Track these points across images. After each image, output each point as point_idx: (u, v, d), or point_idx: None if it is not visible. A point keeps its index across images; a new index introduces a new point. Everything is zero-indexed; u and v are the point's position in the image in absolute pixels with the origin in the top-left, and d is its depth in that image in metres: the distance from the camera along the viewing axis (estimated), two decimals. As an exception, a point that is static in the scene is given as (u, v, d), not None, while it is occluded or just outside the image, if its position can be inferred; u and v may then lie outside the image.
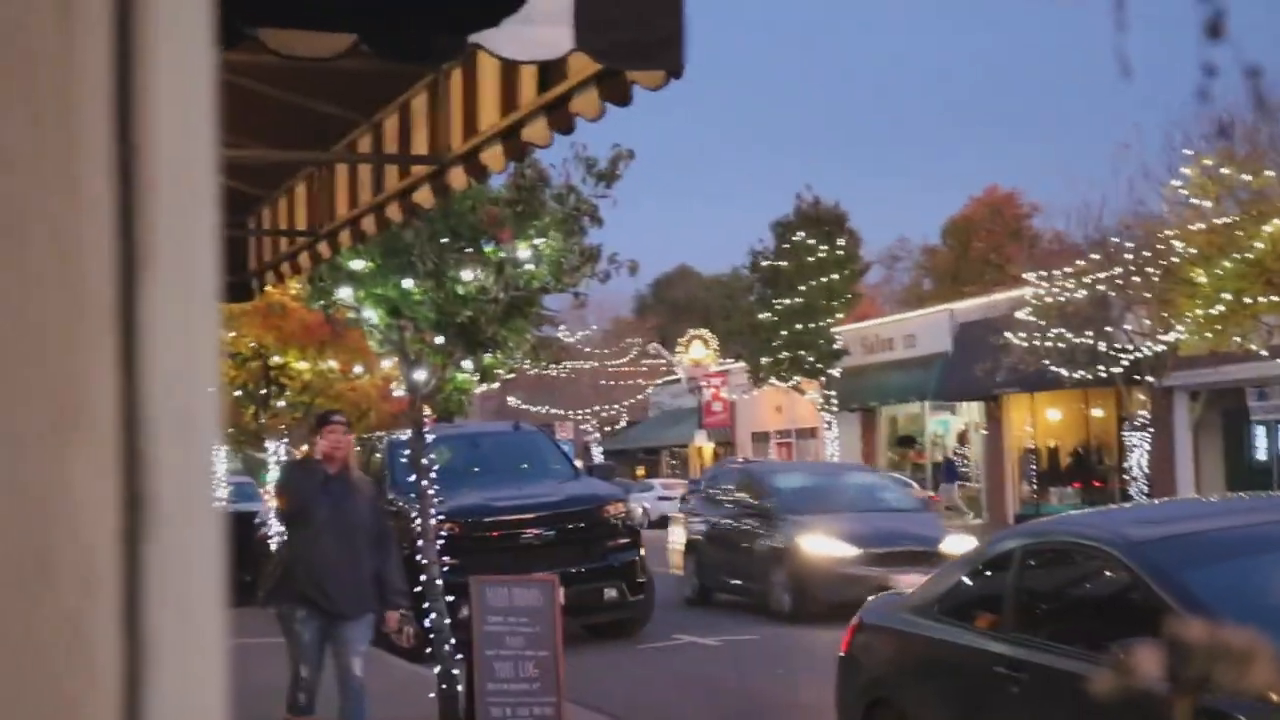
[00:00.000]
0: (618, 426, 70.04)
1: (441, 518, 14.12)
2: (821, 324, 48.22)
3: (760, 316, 49.61)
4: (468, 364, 13.19)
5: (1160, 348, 32.25)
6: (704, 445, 64.84)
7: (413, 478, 12.50)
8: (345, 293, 12.27)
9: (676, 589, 23.43)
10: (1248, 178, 27.91)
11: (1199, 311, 28.70)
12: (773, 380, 50.02)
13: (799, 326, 48.04)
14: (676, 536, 25.40)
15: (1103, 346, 33.24)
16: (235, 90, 6.26)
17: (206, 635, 0.80)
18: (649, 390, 69.20)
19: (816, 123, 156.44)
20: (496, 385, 15.76)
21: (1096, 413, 41.74)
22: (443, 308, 12.01)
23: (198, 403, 0.80)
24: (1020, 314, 34.89)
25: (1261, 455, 36.36)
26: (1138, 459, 33.59)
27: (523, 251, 12.21)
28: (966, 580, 8.97)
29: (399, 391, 21.18)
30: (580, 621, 17.21)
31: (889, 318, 55.21)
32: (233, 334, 22.92)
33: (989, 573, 8.75)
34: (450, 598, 12.10)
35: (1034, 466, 43.12)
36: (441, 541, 12.46)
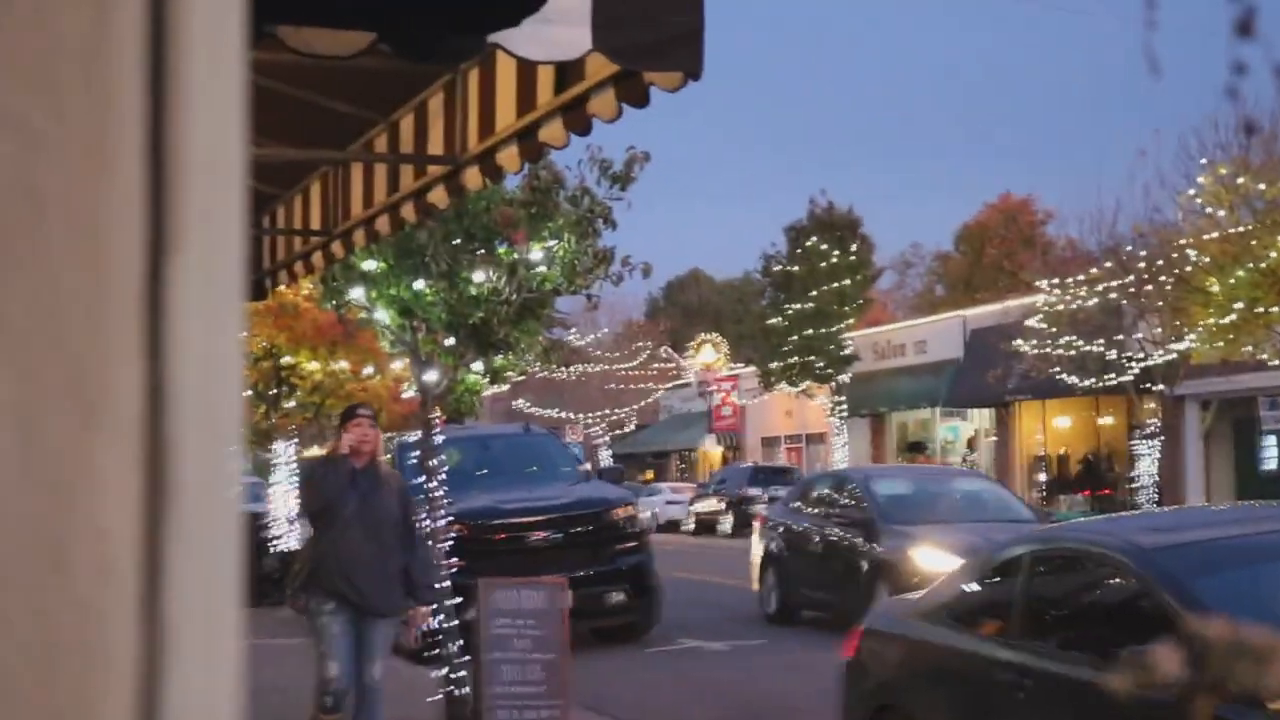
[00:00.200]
0: (627, 430, 70.02)
1: (450, 519, 14.12)
2: (833, 329, 48.22)
3: (771, 321, 49.63)
4: (478, 365, 13.21)
5: (1172, 356, 32.22)
6: (713, 449, 64.81)
7: (422, 479, 12.51)
8: (357, 293, 12.29)
9: (758, 605, 21.73)
10: (1263, 187, 27.88)
11: (1211, 320, 28.66)
12: (783, 385, 50.01)
13: (810, 331, 48.04)
14: (754, 548, 22.94)
15: (1114, 354, 33.21)
16: (252, 88, 6.27)
17: (224, 624, 0.79)
18: (658, 394, 69.18)
19: (830, 127, 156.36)
20: (506, 387, 15.79)
21: (1107, 420, 41.69)
22: (455, 309, 12.02)
23: (222, 391, 0.79)
24: (1032, 321, 34.86)
25: (1272, 465, 36.27)
26: (1148, 467, 33.54)
27: (536, 253, 12.23)
28: (974, 586, 8.96)
29: (410, 392, 21.21)
30: (587, 625, 17.20)
31: (901, 323, 55.18)
32: (244, 333, 22.93)
33: (997, 579, 8.74)
34: (457, 599, 12.10)
35: (1044, 473, 43.06)
36: (449, 543, 12.46)
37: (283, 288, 10.38)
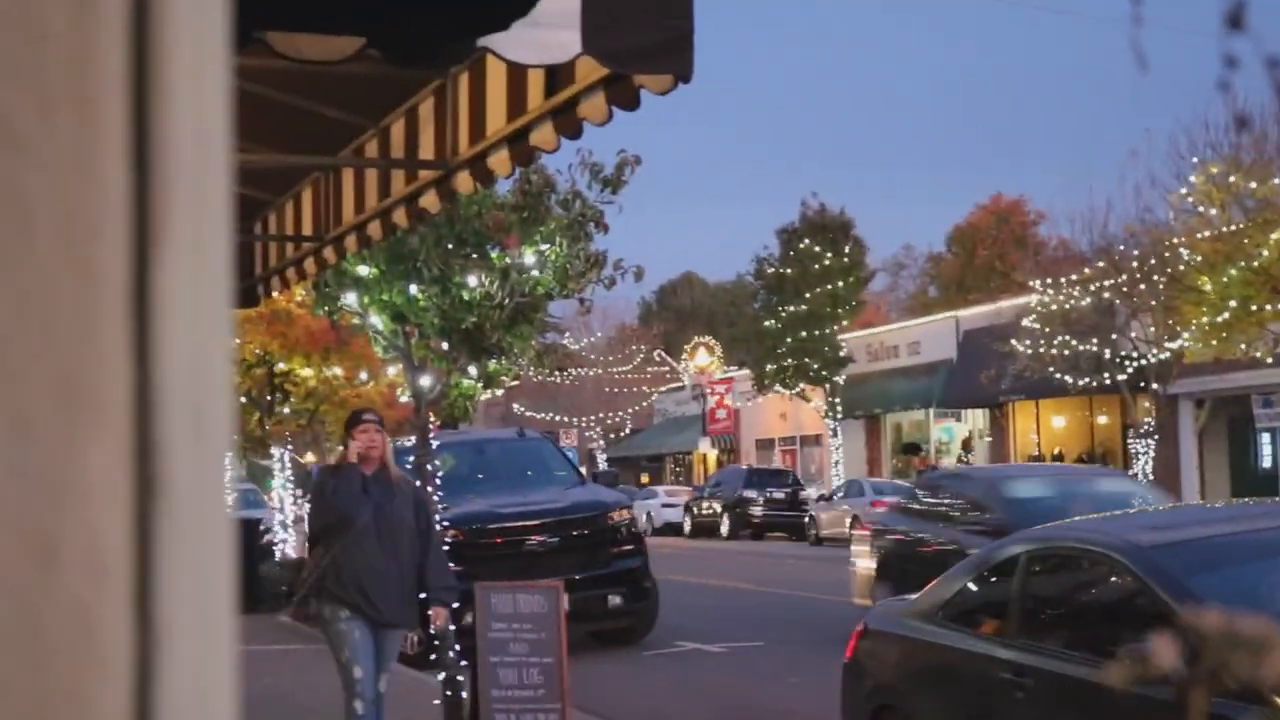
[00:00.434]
0: (622, 433, 70.05)
1: (446, 524, 14.12)
2: (826, 331, 48.30)
3: (765, 324, 49.71)
4: (472, 370, 13.21)
5: (1165, 355, 32.26)
6: (708, 452, 64.84)
7: (417, 484, 12.50)
8: (350, 299, 12.30)
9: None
10: (1254, 185, 27.92)
11: (1204, 319, 28.71)
12: (777, 387, 50.08)
13: (804, 334, 48.11)
14: (860, 558, 20.08)
15: (1108, 354, 33.25)
16: (242, 95, 6.27)
17: (217, 623, 0.79)
18: (653, 397, 69.23)
19: (821, 129, 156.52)
20: (501, 392, 15.80)
21: (1101, 420, 41.75)
22: (448, 314, 12.03)
23: (211, 389, 0.79)
24: (1025, 321, 34.91)
25: (1266, 462, 36.33)
26: (1143, 466, 33.57)
27: (528, 257, 12.24)
28: (971, 586, 8.96)
29: (404, 398, 21.21)
30: (585, 628, 17.20)
31: (894, 325, 55.26)
32: (237, 340, 22.96)
33: (993, 578, 8.74)
34: (455, 604, 12.10)
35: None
36: (446, 548, 12.45)
37: (275, 294, 10.33)
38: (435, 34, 4.38)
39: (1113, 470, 28.73)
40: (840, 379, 48.89)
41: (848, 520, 41.14)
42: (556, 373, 42.97)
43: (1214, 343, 28.96)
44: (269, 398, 25.34)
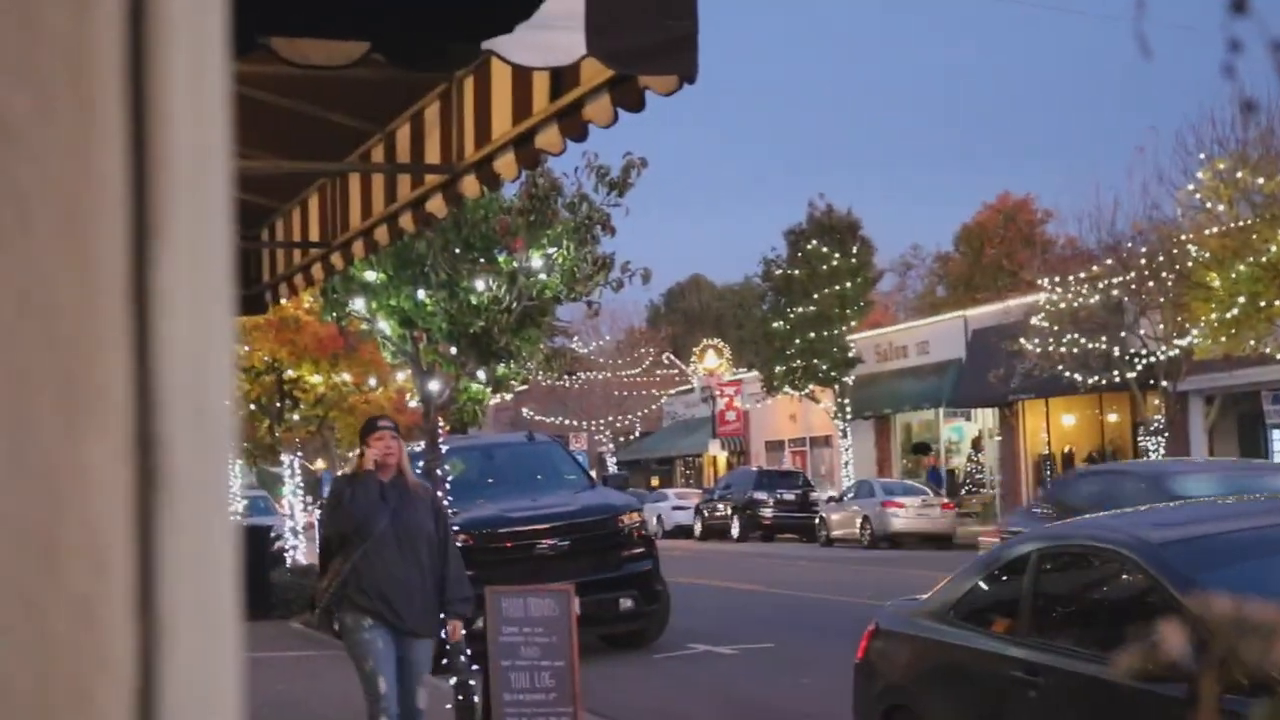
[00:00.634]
0: (631, 437, 70.06)
1: (456, 529, 14.12)
2: (835, 332, 48.30)
3: (773, 325, 49.70)
4: (481, 375, 13.22)
5: (1175, 352, 32.22)
6: (718, 454, 64.83)
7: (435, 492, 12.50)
8: (358, 304, 12.31)
9: None
10: (1261, 181, 27.89)
11: (1213, 315, 28.67)
12: (786, 389, 50.07)
13: (812, 335, 48.11)
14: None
15: (1117, 351, 33.21)
16: (248, 102, 6.28)
17: (221, 618, 0.79)
18: (662, 400, 69.25)
19: (827, 131, 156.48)
20: (510, 396, 15.81)
21: (1111, 417, 41.70)
22: (456, 318, 12.03)
23: (212, 382, 0.79)
24: (1034, 320, 34.87)
25: (1278, 458, 36.25)
26: (1153, 464, 33.49)
27: (535, 261, 12.24)
28: (982, 585, 8.94)
29: (413, 403, 21.24)
30: (596, 631, 17.19)
31: (902, 325, 55.22)
32: (246, 348, 22.99)
33: (1005, 577, 8.73)
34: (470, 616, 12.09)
35: (1049, 472, 43.05)
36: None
37: (283, 301, 10.33)
38: (440, 37, 4.39)
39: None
40: (849, 380, 48.88)
41: (858, 521, 41.16)
42: (565, 376, 43.02)
43: (1223, 339, 28.92)
44: (278, 405, 25.38)
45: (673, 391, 69.33)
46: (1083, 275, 33.45)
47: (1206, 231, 29.08)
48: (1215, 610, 1.23)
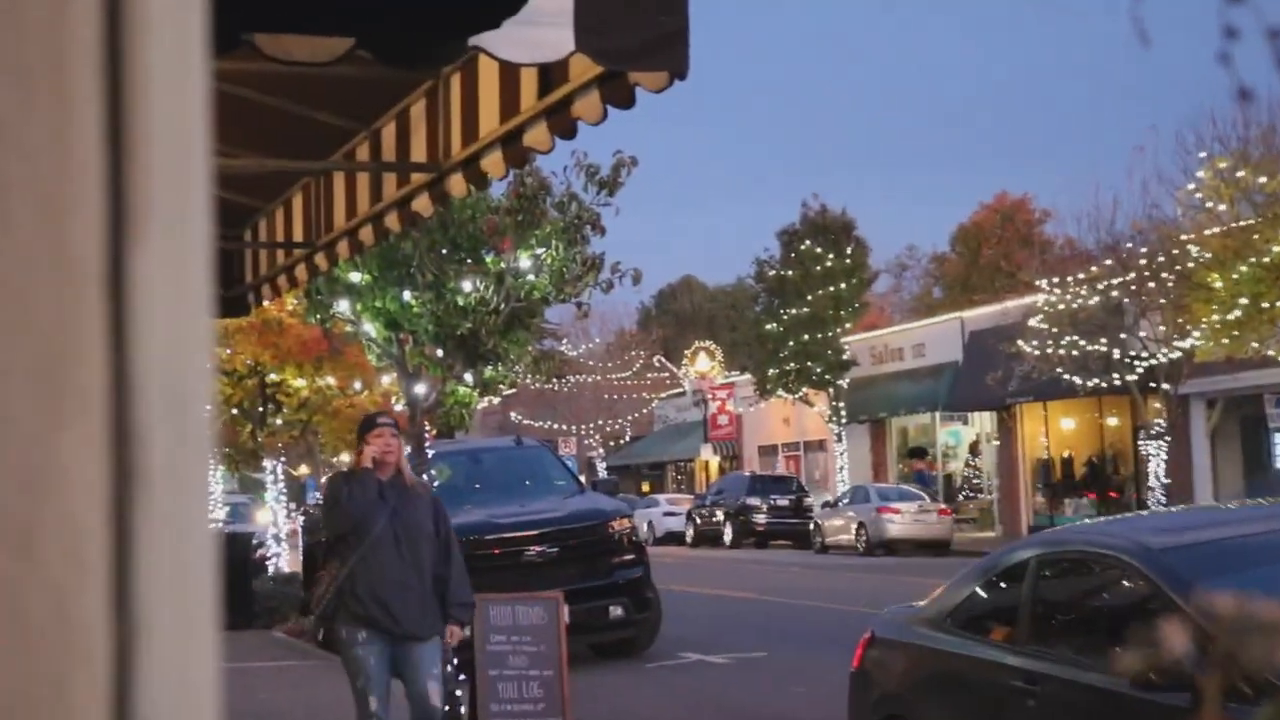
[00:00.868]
0: (622, 441, 70.07)
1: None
2: (829, 334, 48.33)
3: (766, 327, 49.73)
4: (468, 377, 13.22)
5: (1176, 354, 32.26)
6: (710, 459, 64.85)
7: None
8: (343, 306, 12.31)
9: None
10: (1263, 180, 27.94)
11: (1215, 317, 28.71)
12: (780, 392, 50.09)
13: (806, 337, 48.13)
14: None
15: (1117, 354, 33.25)
16: (230, 99, 6.28)
17: (198, 613, 0.79)
18: (653, 404, 69.25)
19: (822, 130, 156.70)
20: (498, 400, 15.80)
21: (1111, 421, 41.75)
22: (442, 320, 12.04)
23: (190, 374, 0.79)
24: (1032, 321, 34.90)
25: (1280, 464, 36.32)
26: (1154, 468, 33.56)
27: (524, 261, 12.26)
28: (980, 592, 8.95)
29: (399, 407, 21.23)
30: (585, 640, 17.19)
31: (898, 327, 55.25)
32: (228, 351, 22.98)
33: (1003, 584, 8.74)
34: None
35: (1048, 477, 43.11)
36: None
37: (266, 303, 10.31)
38: (426, 33, 4.39)
39: None
40: (844, 383, 48.91)
41: (853, 527, 41.19)
42: (554, 379, 43.03)
43: (1225, 341, 28.96)
44: (260, 409, 25.36)
45: (664, 395, 69.34)
46: (1081, 276, 33.46)
47: (1207, 231, 29.12)
48: (1219, 609, 1.23)
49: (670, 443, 68.86)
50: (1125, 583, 7.78)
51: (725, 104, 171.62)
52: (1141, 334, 33.10)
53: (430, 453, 12.84)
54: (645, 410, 68.68)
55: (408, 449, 14.24)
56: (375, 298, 12.05)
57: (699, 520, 50.21)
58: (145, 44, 0.79)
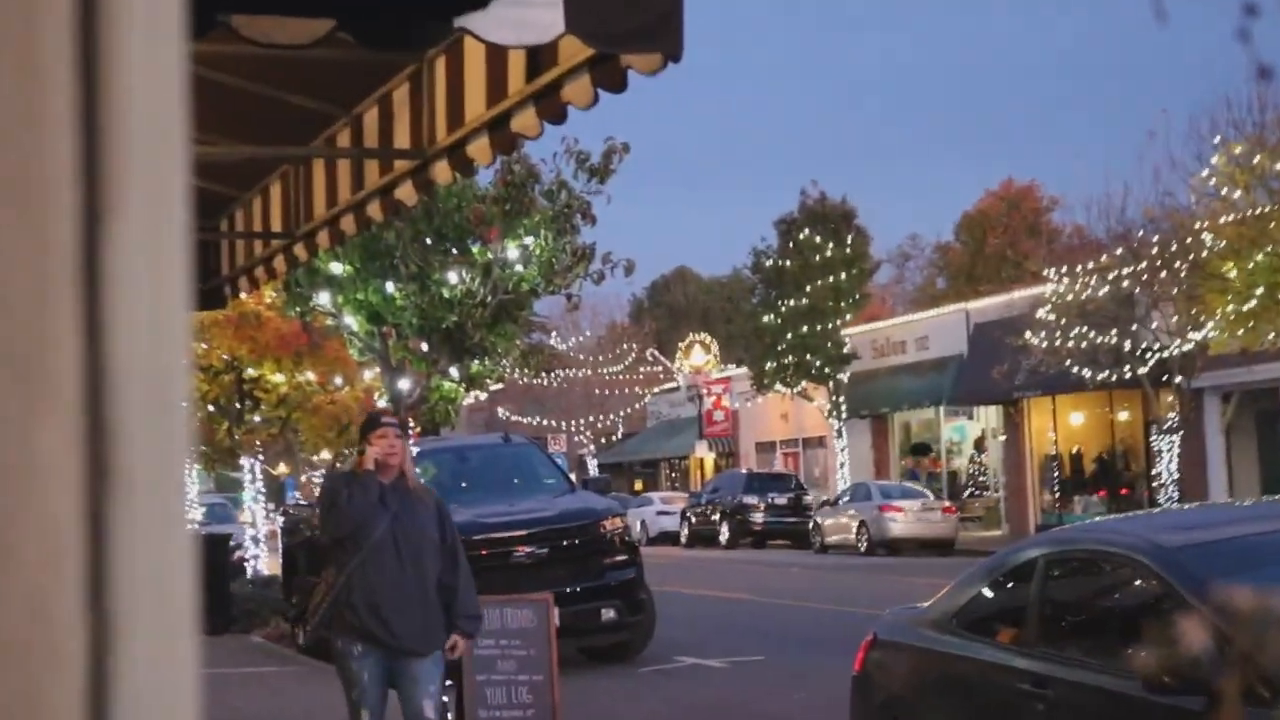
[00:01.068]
0: (614, 438, 70.07)
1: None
2: (829, 326, 48.32)
3: (764, 319, 49.71)
4: (454, 372, 13.23)
5: (1189, 346, 32.29)
6: (705, 456, 64.88)
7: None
8: (324, 299, 12.31)
9: None
10: (1279, 166, 27.96)
11: (1230, 308, 28.74)
12: (777, 386, 50.10)
13: (805, 329, 48.13)
14: None
15: (1128, 346, 33.28)
16: (207, 84, 6.27)
17: (176, 612, 0.79)
18: (646, 399, 69.23)
19: (822, 115, 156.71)
20: (485, 395, 15.81)
21: (1122, 416, 41.78)
22: (427, 313, 12.04)
23: (167, 368, 0.79)
24: (1040, 313, 34.92)
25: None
26: (1167, 464, 33.60)
27: (511, 252, 12.26)
28: (986, 592, 8.96)
29: (382, 403, 21.22)
30: (576, 644, 17.20)
31: (900, 319, 55.27)
32: (204, 345, 22.97)
33: (1010, 584, 8.74)
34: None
35: (1056, 473, 43.14)
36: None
37: (243, 295, 10.30)
38: (410, 14, 4.39)
39: None
40: (844, 377, 48.91)
41: (854, 526, 41.23)
42: (543, 374, 43.03)
43: (1240, 332, 28.99)
44: (238, 406, 25.38)
45: (657, 390, 69.32)
46: (1091, 265, 33.48)
47: (1222, 219, 29.14)
48: (1237, 605, 1.24)
49: (664, 439, 68.87)
50: (1137, 582, 7.79)
51: (721, 88, 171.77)
52: (1153, 325, 33.13)
53: (415, 451, 12.82)
54: (638, 406, 68.68)
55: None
56: (357, 290, 12.06)
57: (694, 519, 50.21)
58: (120, 24, 0.79)
